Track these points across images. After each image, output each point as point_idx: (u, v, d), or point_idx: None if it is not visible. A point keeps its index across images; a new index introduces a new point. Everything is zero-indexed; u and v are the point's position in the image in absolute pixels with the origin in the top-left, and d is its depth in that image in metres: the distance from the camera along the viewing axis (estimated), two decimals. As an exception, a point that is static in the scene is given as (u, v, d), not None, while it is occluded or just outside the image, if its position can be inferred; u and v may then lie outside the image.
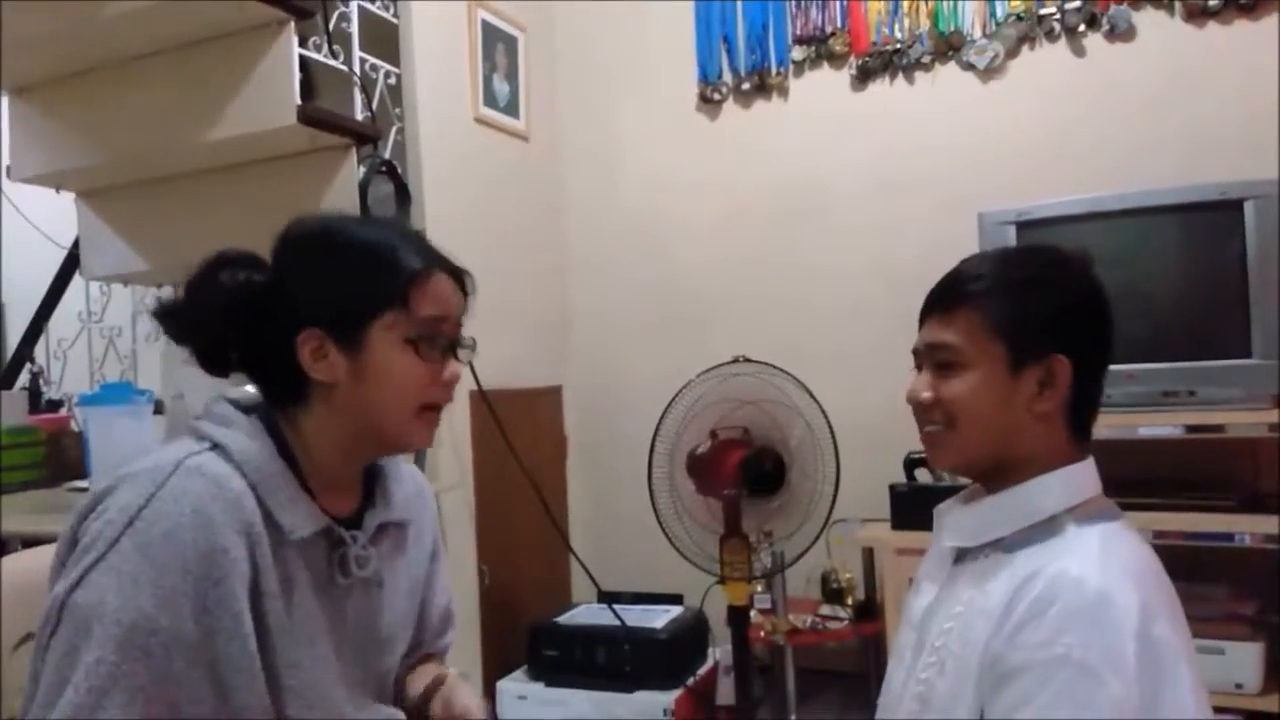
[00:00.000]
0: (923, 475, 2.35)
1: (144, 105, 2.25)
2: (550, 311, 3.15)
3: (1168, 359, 2.12)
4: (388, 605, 1.08)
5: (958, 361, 1.04)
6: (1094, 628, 0.90)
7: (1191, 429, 2.11)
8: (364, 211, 2.18)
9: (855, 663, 2.61)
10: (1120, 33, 2.53)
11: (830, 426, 1.95)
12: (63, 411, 2.88)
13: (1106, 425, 1.12)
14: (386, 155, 2.36)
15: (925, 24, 2.74)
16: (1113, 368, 1.07)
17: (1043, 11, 2.61)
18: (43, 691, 0.84)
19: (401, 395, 0.99)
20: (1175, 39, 2.49)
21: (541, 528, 2.54)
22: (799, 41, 2.90)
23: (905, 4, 2.76)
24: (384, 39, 2.44)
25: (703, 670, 2.51)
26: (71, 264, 2.78)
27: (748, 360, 2.02)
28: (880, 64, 2.80)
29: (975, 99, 2.70)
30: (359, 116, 2.29)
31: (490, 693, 2.53)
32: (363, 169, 2.26)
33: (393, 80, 2.46)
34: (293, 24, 2.09)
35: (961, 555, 1.08)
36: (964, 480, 1.16)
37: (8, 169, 2.50)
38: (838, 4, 2.84)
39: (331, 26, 2.25)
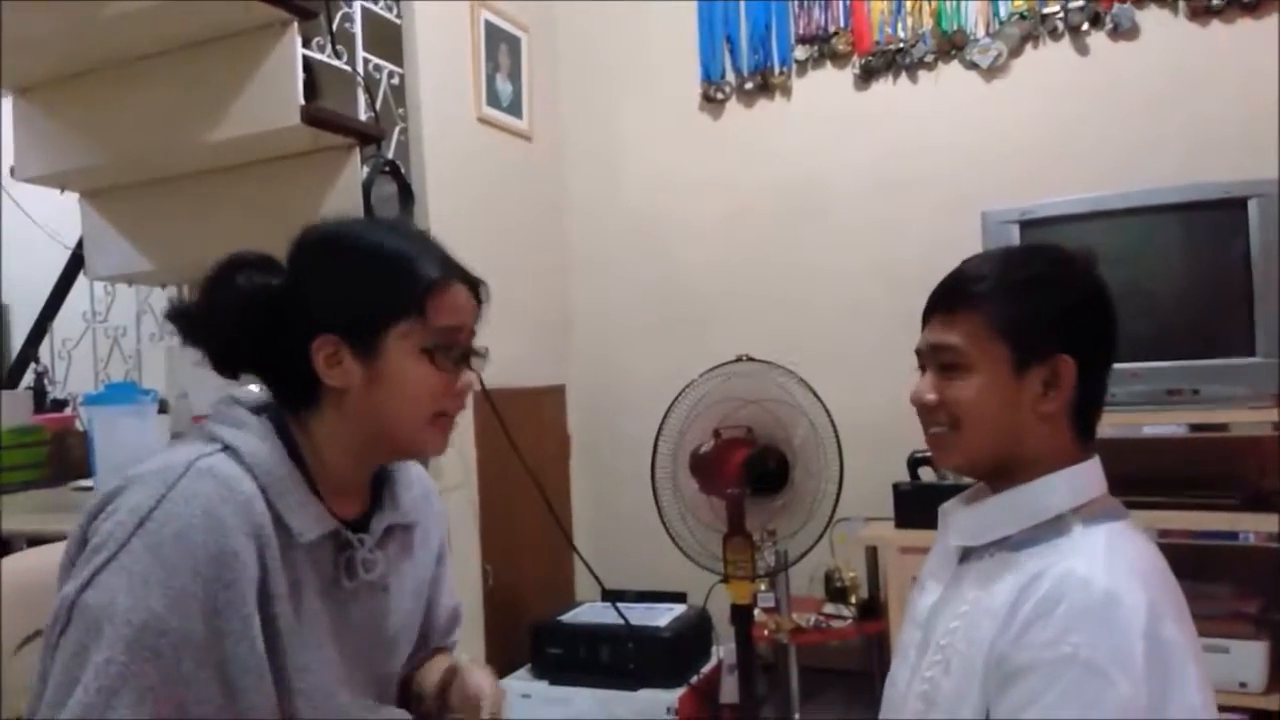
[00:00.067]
0: (926, 474, 2.35)
1: (148, 105, 2.25)
2: (553, 311, 3.15)
3: (1171, 358, 2.12)
4: (394, 608, 1.08)
5: (961, 363, 1.03)
6: (1101, 627, 0.89)
7: (1195, 428, 2.11)
8: (367, 212, 2.19)
9: (859, 661, 2.61)
10: (1124, 31, 2.53)
11: (834, 425, 1.95)
12: (67, 411, 2.90)
13: (1110, 424, 1.11)
14: (389, 155, 2.36)
15: (928, 23, 2.74)
16: (1116, 366, 1.06)
17: (1046, 10, 2.61)
18: (52, 691, 0.84)
19: (415, 404, 0.99)
20: (1179, 37, 2.48)
21: (545, 527, 2.54)
22: (802, 41, 2.90)
23: (908, 3, 2.75)
24: (387, 39, 2.44)
25: (706, 669, 2.51)
26: (76, 264, 2.79)
27: (751, 359, 2.01)
28: (883, 63, 2.80)
29: (978, 98, 2.70)
30: (362, 117, 2.29)
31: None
32: (366, 169, 2.26)
33: (396, 80, 2.46)
34: (296, 24, 2.09)
35: (966, 554, 1.08)
36: (968, 479, 1.16)
37: (11, 169, 2.50)
38: (841, 3, 2.84)
39: (335, 27, 2.25)
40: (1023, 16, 2.63)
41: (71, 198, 2.60)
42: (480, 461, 2.60)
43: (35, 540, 1.95)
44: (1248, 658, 1.99)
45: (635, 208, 3.15)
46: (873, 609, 2.53)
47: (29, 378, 2.98)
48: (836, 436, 1.95)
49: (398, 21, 2.49)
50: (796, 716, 2.44)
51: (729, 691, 2.42)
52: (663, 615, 2.56)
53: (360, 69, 2.32)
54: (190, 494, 0.88)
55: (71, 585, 0.87)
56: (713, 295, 3.02)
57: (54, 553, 0.97)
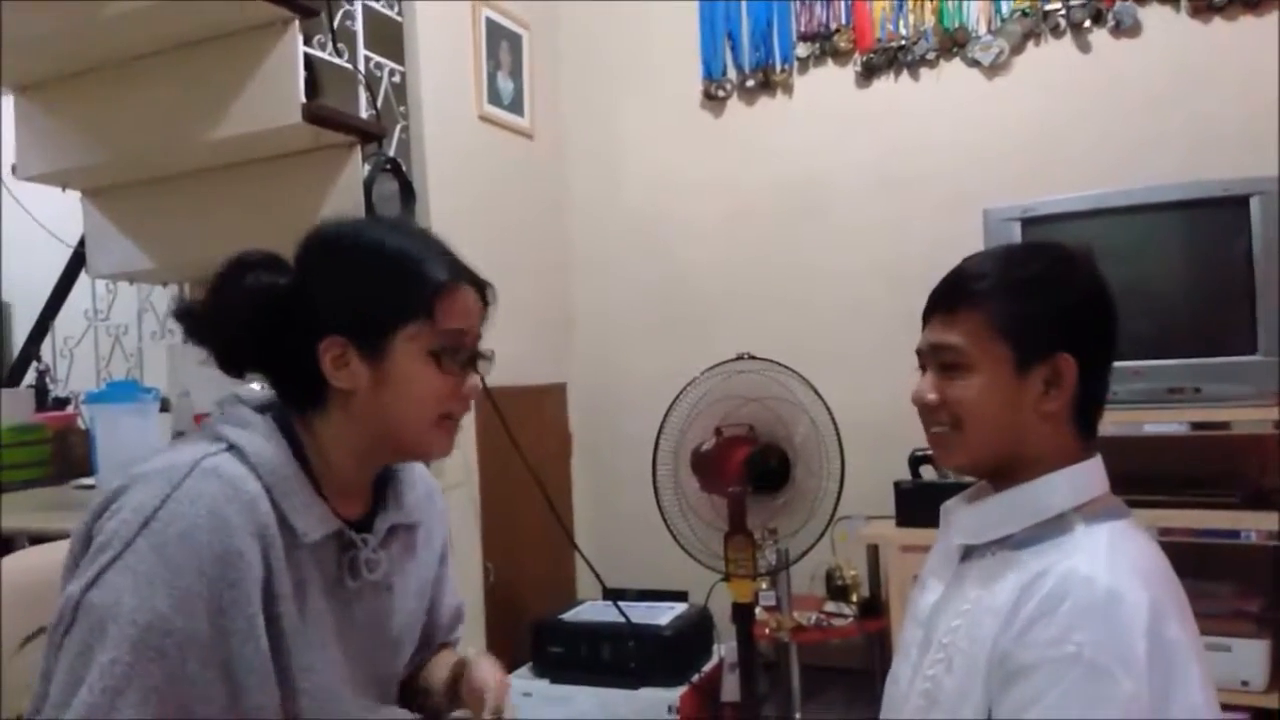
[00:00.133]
0: (928, 472, 2.35)
1: (149, 104, 2.25)
2: (554, 309, 3.15)
3: (1173, 356, 2.12)
4: (397, 608, 1.08)
5: (962, 363, 1.03)
6: (1105, 626, 0.89)
7: (1197, 426, 2.10)
8: (368, 210, 2.19)
9: (860, 660, 2.61)
10: (1125, 28, 2.53)
11: (835, 423, 1.95)
12: (69, 409, 2.90)
13: (1111, 422, 1.11)
14: (391, 153, 2.36)
15: (930, 20, 2.73)
16: (1118, 365, 1.06)
17: (1048, 7, 2.61)
18: (57, 691, 0.84)
19: (421, 406, 0.99)
20: (1181, 35, 2.48)
21: (546, 525, 2.55)
22: (803, 38, 2.90)
23: (910, 0, 2.75)
24: (388, 37, 2.44)
25: (707, 667, 2.51)
26: (77, 262, 2.79)
27: (752, 357, 2.02)
28: (885, 61, 2.80)
29: (980, 95, 2.70)
30: (363, 114, 2.29)
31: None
32: (367, 167, 2.26)
33: (397, 78, 2.46)
34: (297, 22, 2.09)
35: (968, 552, 1.08)
36: (969, 478, 1.16)
37: (13, 167, 2.50)
38: (842, 1, 2.83)
39: (336, 25, 2.25)
40: (1024, 14, 2.63)
41: (73, 196, 2.60)
42: (481, 460, 2.60)
43: (37, 538, 1.96)
44: (1249, 656, 1.99)
45: (637, 205, 3.15)
46: (874, 607, 2.53)
47: (31, 376, 2.98)
48: (838, 435, 1.95)
49: (399, 19, 2.48)
50: (798, 715, 2.44)
51: (730, 690, 2.43)
52: (664, 614, 2.55)
53: (361, 67, 2.32)
54: (195, 494, 0.88)
55: (76, 584, 0.87)
56: (714, 293, 3.02)
57: (56, 551, 0.98)
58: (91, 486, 2.36)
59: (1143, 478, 2.04)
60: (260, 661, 0.89)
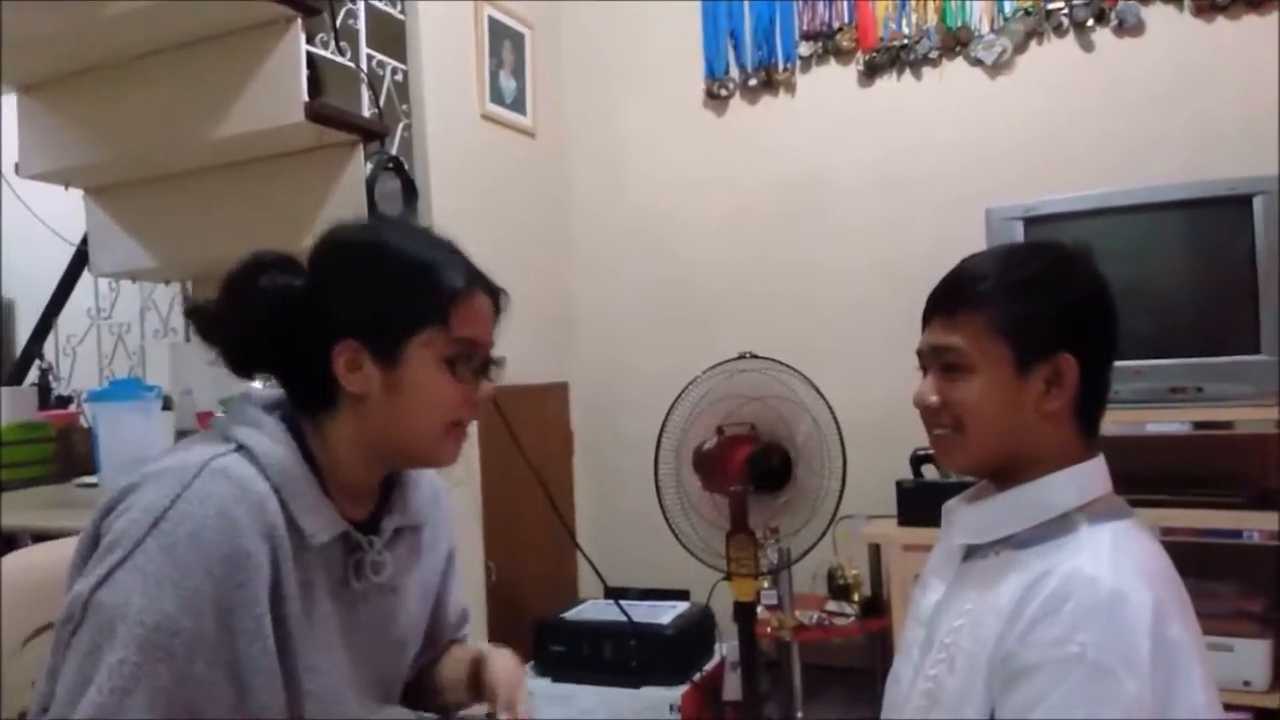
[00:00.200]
0: (929, 471, 2.35)
1: (152, 102, 2.25)
2: (556, 308, 3.15)
3: (1175, 355, 2.12)
4: (402, 609, 1.08)
5: (963, 364, 1.03)
6: (1109, 626, 0.89)
7: (1199, 425, 2.11)
8: (371, 209, 2.19)
9: (861, 659, 2.61)
10: (1129, 27, 2.52)
11: (837, 422, 1.95)
12: (72, 407, 2.90)
13: (1114, 422, 1.11)
14: (393, 151, 2.36)
15: (933, 19, 2.73)
16: (1120, 364, 1.06)
17: (1051, 6, 2.61)
18: (64, 690, 0.84)
19: (432, 413, 0.99)
20: (1184, 34, 2.48)
21: (548, 524, 2.55)
22: (806, 37, 2.90)
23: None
24: (391, 36, 2.44)
25: (709, 666, 2.52)
26: (80, 260, 2.80)
27: (754, 356, 2.01)
28: (887, 60, 2.80)
29: (983, 94, 2.70)
30: (366, 113, 2.30)
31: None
32: (370, 165, 2.26)
33: (400, 77, 2.46)
34: (300, 21, 2.09)
35: (970, 552, 1.08)
36: (971, 477, 1.16)
37: (16, 166, 2.50)
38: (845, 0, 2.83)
39: (339, 23, 2.25)
40: (1027, 13, 2.63)
41: (76, 194, 2.60)
42: (483, 458, 2.61)
43: (40, 536, 1.96)
44: (1252, 656, 1.99)
45: (639, 204, 3.15)
46: (875, 607, 2.53)
47: (33, 374, 2.99)
48: (840, 434, 1.95)
49: (401, 18, 2.49)
50: (799, 714, 2.44)
51: (732, 689, 2.43)
52: (665, 612, 2.56)
53: (364, 65, 2.32)
54: (205, 494, 0.88)
55: (85, 583, 0.86)
56: (716, 292, 3.02)
57: (59, 548, 0.98)
58: (94, 485, 2.36)
59: (1145, 477, 2.04)
60: (266, 662, 0.89)
